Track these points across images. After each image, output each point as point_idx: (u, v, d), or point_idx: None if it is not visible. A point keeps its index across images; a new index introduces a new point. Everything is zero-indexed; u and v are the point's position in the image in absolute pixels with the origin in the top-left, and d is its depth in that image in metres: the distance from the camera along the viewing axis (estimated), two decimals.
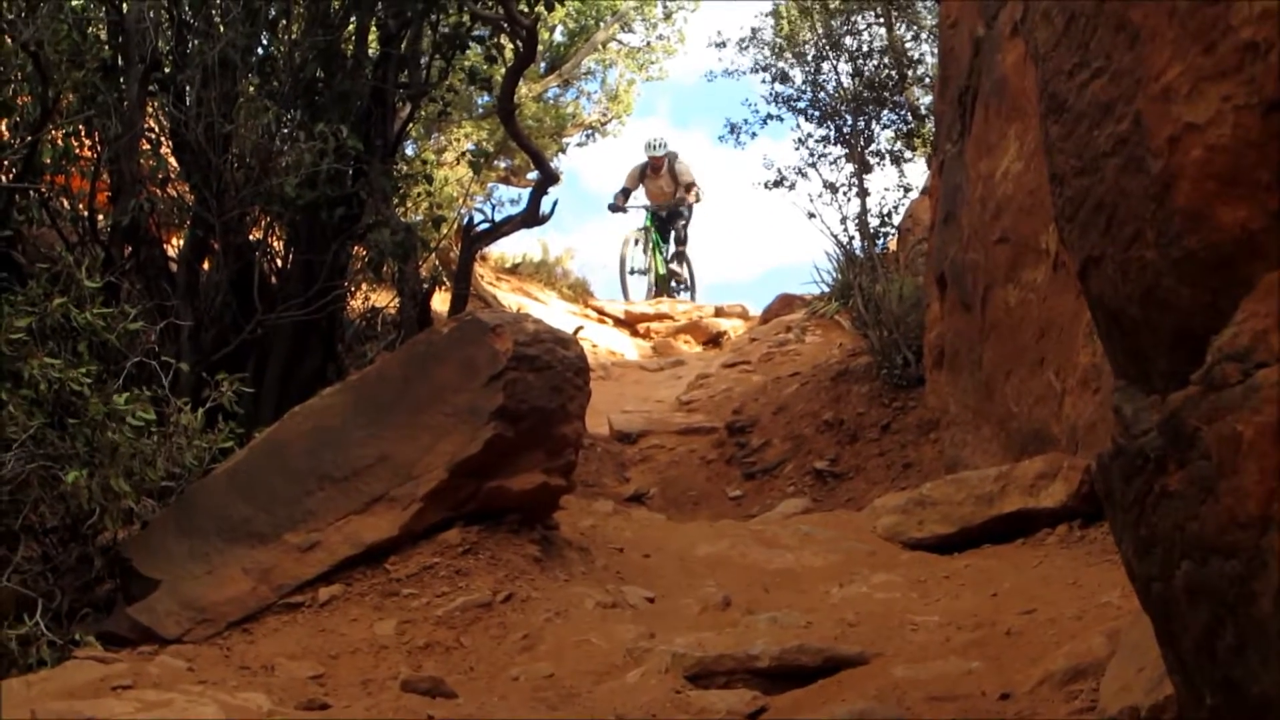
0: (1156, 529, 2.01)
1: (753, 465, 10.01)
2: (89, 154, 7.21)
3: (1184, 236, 1.88)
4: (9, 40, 6.45)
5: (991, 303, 7.25)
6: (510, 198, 20.25)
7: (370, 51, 8.38)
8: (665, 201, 20.03)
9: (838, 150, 14.28)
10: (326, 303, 7.44)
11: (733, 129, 15.52)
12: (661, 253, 20.05)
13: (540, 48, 16.78)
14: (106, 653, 4.83)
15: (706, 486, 9.93)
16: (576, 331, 6.71)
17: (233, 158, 7.20)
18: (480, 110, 18.41)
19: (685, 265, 20.54)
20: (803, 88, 14.71)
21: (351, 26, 8.18)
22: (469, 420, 5.65)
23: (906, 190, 14.22)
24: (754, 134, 15.62)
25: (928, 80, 14.27)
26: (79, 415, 5.19)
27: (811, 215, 14.18)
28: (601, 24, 21.35)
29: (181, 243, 7.76)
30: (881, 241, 13.70)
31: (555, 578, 5.68)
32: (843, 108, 14.23)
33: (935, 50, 11.92)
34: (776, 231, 52.43)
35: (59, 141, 6.80)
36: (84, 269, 5.57)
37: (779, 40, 15.23)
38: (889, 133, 14.53)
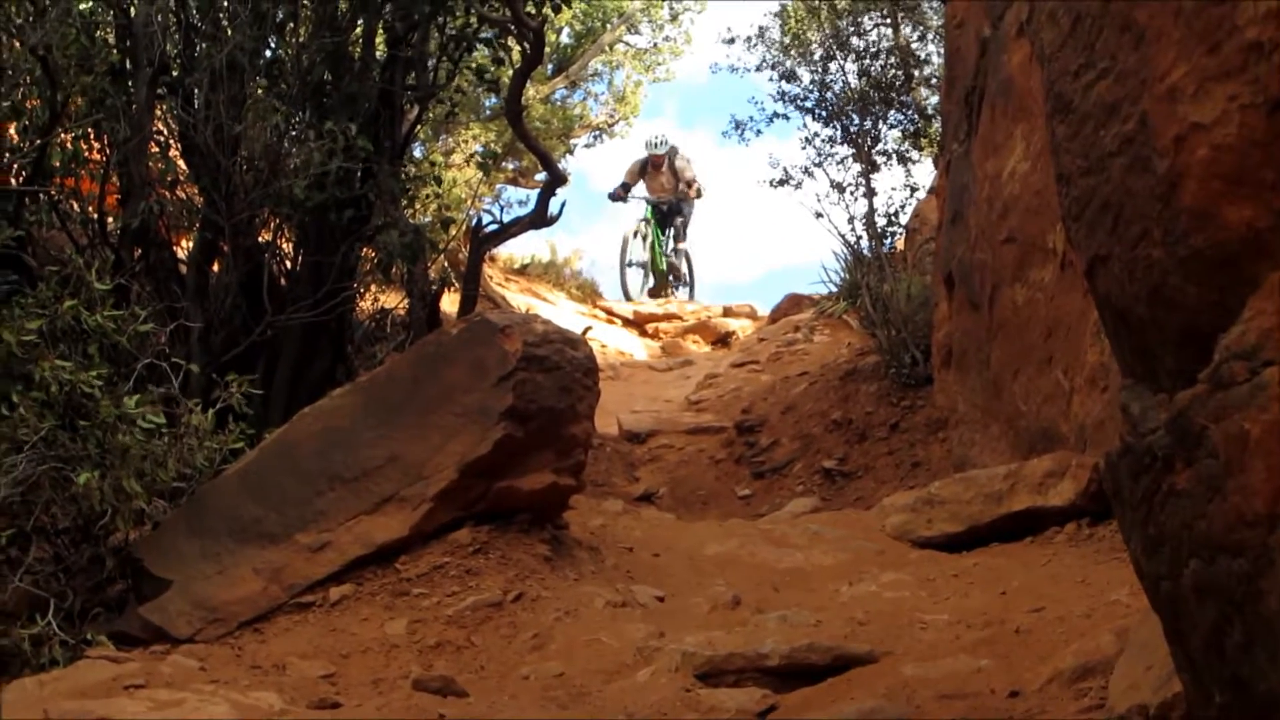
0: (1164, 527, 2.01)
1: (761, 464, 10.01)
2: (98, 157, 7.23)
3: (1190, 235, 1.89)
4: (18, 44, 6.47)
5: (999, 302, 7.25)
6: (518, 199, 20.29)
7: (378, 54, 8.39)
8: (666, 196, 19.99)
9: (845, 150, 14.27)
10: (336, 304, 7.45)
11: (738, 125, 15.52)
12: (661, 246, 19.99)
13: (547, 49, 16.77)
14: (119, 652, 4.84)
15: (715, 486, 9.93)
16: (585, 332, 6.72)
17: (241, 160, 7.22)
18: (488, 112, 18.42)
19: (684, 261, 20.48)
20: (810, 87, 14.71)
21: (359, 29, 8.19)
22: (479, 420, 5.66)
23: (913, 190, 14.24)
24: (759, 131, 15.61)
25: (934, 80, 14.26)
26: (90, 417, 5.20)
27: (819, 215, 14.21)
28: (608, 26, 21.34)
29: (191, 245, 7.77)
30: (889, 241, 13.70)
31: (565, 577, 5.69)
32: (850, 107, 14.22)
33: (942, 51, 11.90)
34: (781, 232, 52.43)
35: (68, 145, 6.82)
36: (94, 271, 5.58)
37: (786, 39, 15.21)
38: (896, 132, 14.53)
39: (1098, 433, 5.92)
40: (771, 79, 15.15)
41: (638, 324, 19.34)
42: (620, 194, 20.01)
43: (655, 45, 22.20)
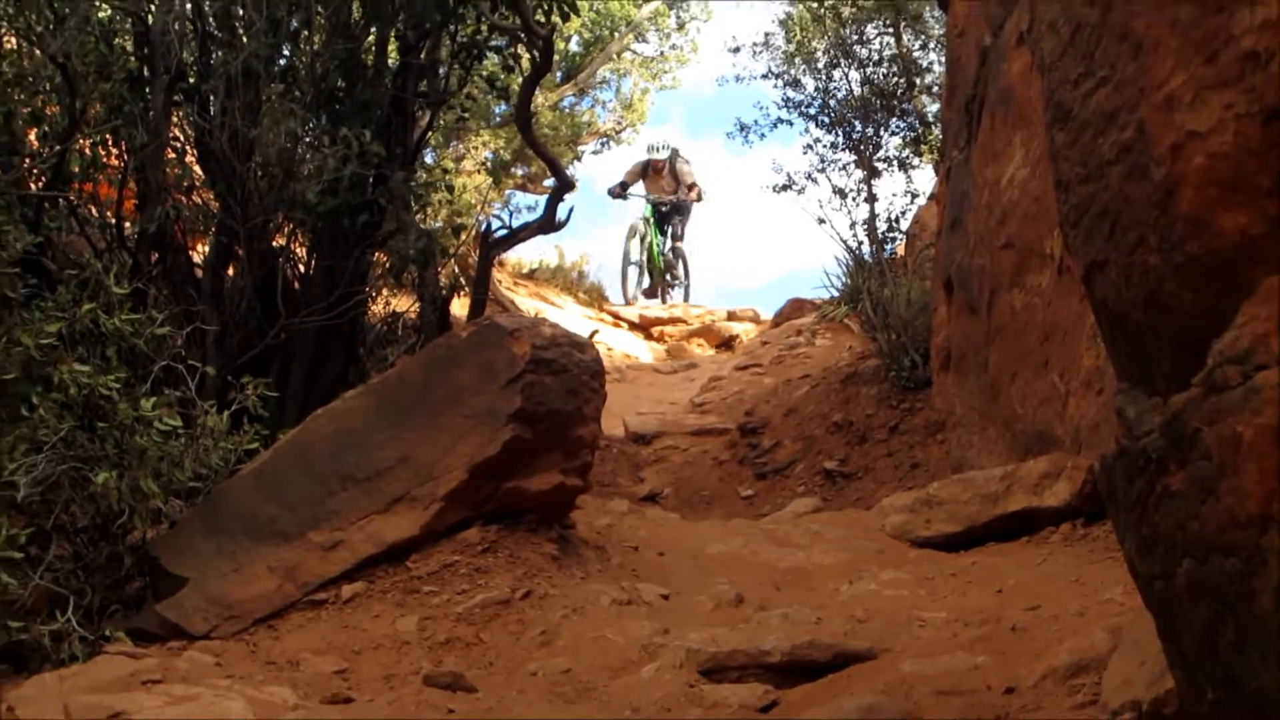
0: (1158, 528, 2.01)
1: (764, 465, 10.01)
2: (116, 163, 7.23)
3: (1186, 242, 1.89)
4: (38, 52, 6.48)
5: (997, 307, 7.25)
6: (527, 204, 20.33)
7: (390, 61, 8.38)
8: (667, 196, 19.91)
9: (847, 156, 14.25)
10: (348, 308, 7.45)
11: (742, 128, 15.51)
12: (659, 246, 19.91)
13: (556, 57, 16.76)
14: (136, 648, 4.85)
15: (719, 486, 9.93)
16: (592, 335, 6.72)
17: (256, 166, 7.22)
18: (498, 119, 18.42)
19: (681, 261, 20.41)
20: (813, 94, 14.70)
21: (372, 37, 8.20)
22: (488, 422, 5.67)
23: (914, 196, 14.21)
24: (763, 135, 15.59)
25: (935, 88, 14.24)
26: (108, 418, 5.20)
27: (821, 221, 14.19)
28: (616, 34, 21.31)
29: (207, 249, 7.78)
30: (890, 247, 13.67)
31: (572, 575, 5.69)
32: (852, 114, 14.21)
33: (943, 59, 11.90)
34: (787, 238, 52.37)
35: (87, 151, 6.82)
36: (112, 275, 5.59)
37: (790, 47, 15.21)
38: (897, 139, 14.50)
39: (1093, 435, 5.92)
40: (776, 86, 15.15)
41: (643, 327, 19.33)
42: (619, 191, 19.92)
43: (662, 54, 22.18)
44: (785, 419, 10.63)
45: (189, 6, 7.38)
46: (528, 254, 21.19)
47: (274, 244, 7.68)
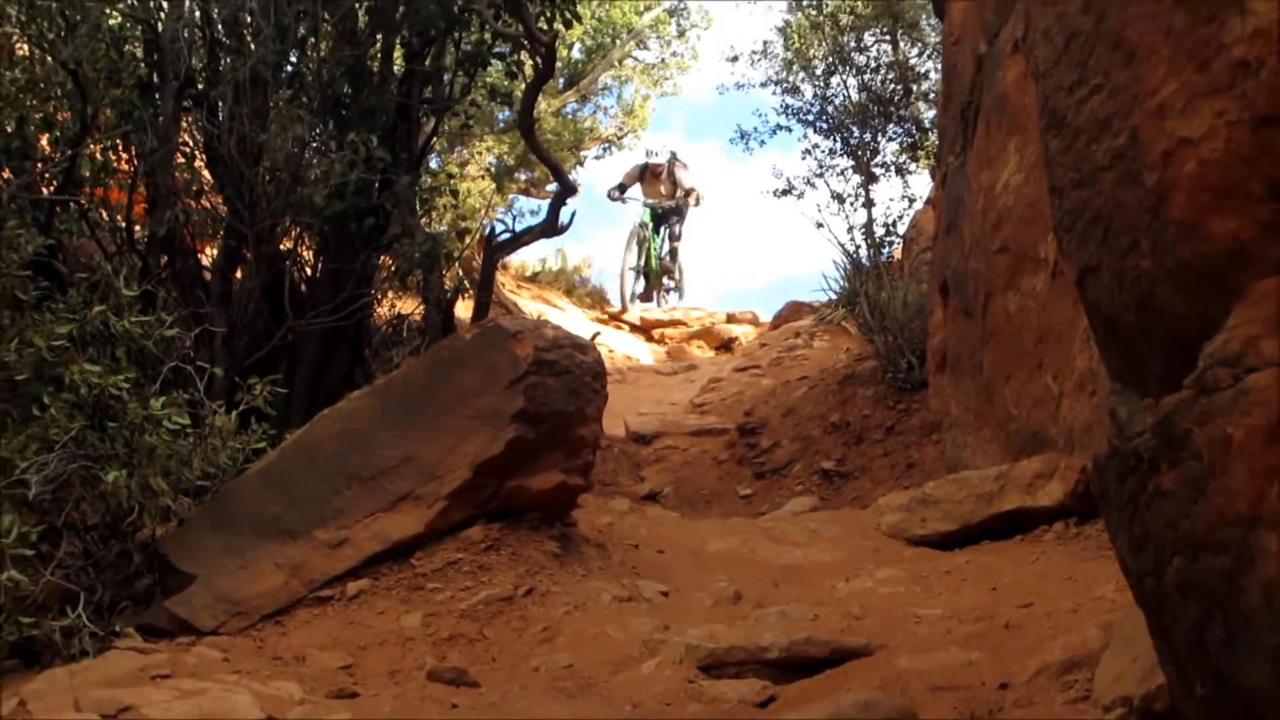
0: (1150, 527, 2.01)
1: (762, 465, 10.01)
2: (126, 167, 7.23)
3: (1178, 246, 1.89)
4: (50, 59, 6.48)
5: (992, 309, 7.25)
6: (530, 209, 20.41)
7: (396, 68, 8.40)
8: (665, 202, 19.83)
9: (845, 162, 14.26)
10: (354, 310, 7.46)
11: (743, 135, 15.52)
12: (655, 249, 19.84)
13: (559, 64, 16.79)
14: (145, 644, 4.86)
15: (718, 485, 9.93)
16: (594, 337, 6.73)
17: (264, 170, 7.23)
18: (501, 125, 18.42)
19: (677, 264, 20.36)
20: (812, 101, 14.71)
21: (378, 44, 8.20)
22: (491, 422, 5.67)
23: (911, 201, 14.22)
24: (763, 142, 15.66)
25: (932, 95, 14.25)
26: (118, 418, 5.21)
27: (820, 225, 14.22)
28: (618, 42, 21.33)
29: (215, 252, 7.78)
30: (887, 250, 13.68)
31: (574, 573, 5.70)
32: (850, 121, 14.22)
33: (939, 66, 11.90)
34: (786, 242, 52.43)
35: (98, 155, 6.83)
36: (122, 278, 5.60)
37: (789, 55, 15.22)
38: (894, 145, 14.51)
39: (1085, 436, 5.92)
40: (775, 93, 15.18)
41: (644, 329, 19.34)
42: (616, 195, 19.82)
43: (663, 61, 22.20)
44: (783, 419, 10.64)
45: (198, 14, 7.38)
46: (531, 257, 21.28)
47: (281, 247, 7.68)
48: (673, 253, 20.11)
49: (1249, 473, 1.75)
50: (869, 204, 13.73)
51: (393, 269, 8.31)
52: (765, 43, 15.74)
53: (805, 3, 15.43)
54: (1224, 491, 1.79)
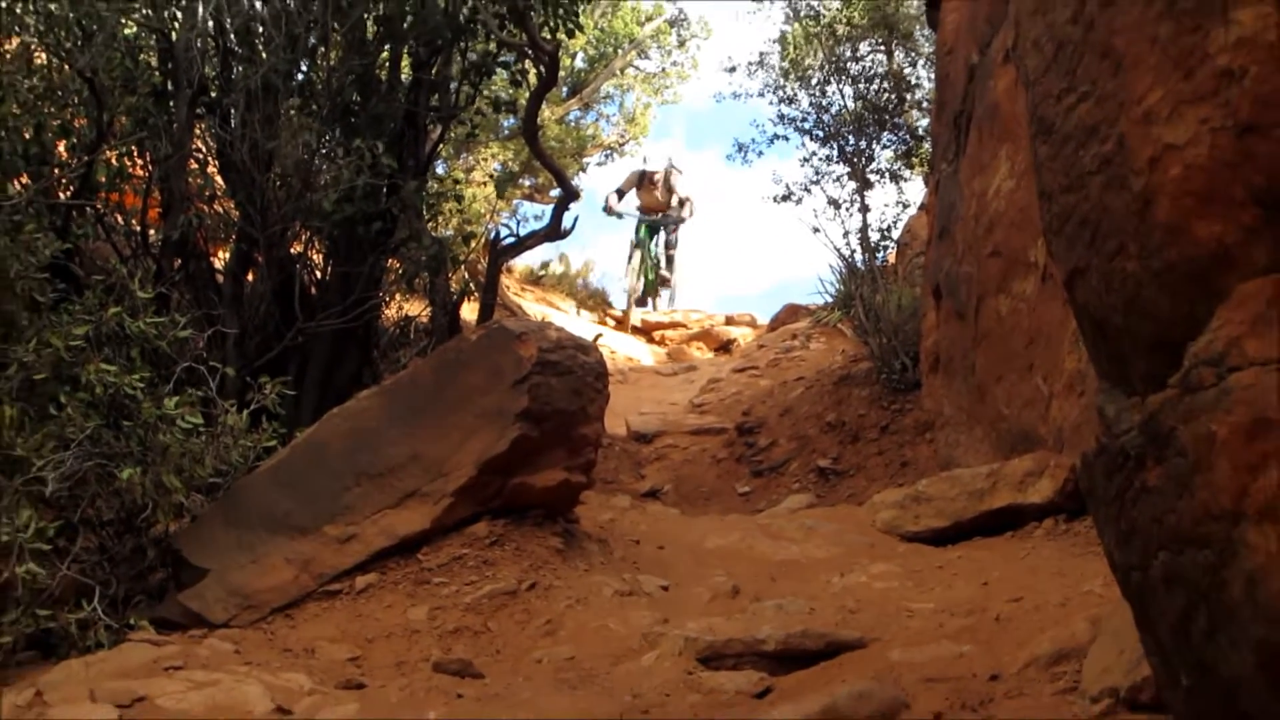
0: (1136, 521, 2.02)
1: (760, 463, 10.00)
2: (141, 173, 7.23)
3: (1164, 249, 1.89)
4: (67, 67, 6.49)
5: (984, 312, 7.25)
6: (534, 214, 20.33)
7: (403, 77, 8.40)
8: (660, 209, 19.73)
9: (841, 168, 14.25)
10: (363, 312, 7.46)
11: (740, 148, 15.50)
12: (651, 257, 19.75)
13: (562, 73, 16.76)
14: (159, 636, 4.86)
15: (717, 483, 9.92)
16: (595, 338, 6.72)
17: (275, 176, 7.23)
18: (506, 132, 18.40)
19: (672, 271, 20.29)
20: (808, 110, 14.70)
21: (386, 53, 8.20)
22: (496, 421, 5.68)
23: (905, 206, 14.19)
24: (760, 153, 15.62)
25: (925, 104, 14.24)
26: (133, 417, 5.21)
27: (816, 230, 14.20)
28: (619, 51, 21.31)
29: (227, 256, 7.78)
30: (881, 255, 13.65)
31: (576, 568, 5.70)
32: (845, 129, 14.21)
33: (932, 76, 11.92)
34: (784, 246, 52.42)
35: (113, 161, 6.83)
36: (137, 280, 5.60)
37: (785, 65, 15.21)
38: (889, 152, 14.48)
39: (1075, 435, 5.92)
40: (772, 102, 15.15)
41: (645, 331, 19.33)
42: (613, 205, 19.68)
43: (664, 70, 22.16)
44: (781, 419, 10.62)
45: (211, 24, 7.39)
46: (535, 261, 21.23)
47: (292, 251, 7.68)
48: (669, 260, 20.07)
49: (1232, 469, 1.75)
50: (864, 209, 13.73)
51: (400, 272, 8.32)
52: (762, 54, 15.72)
53: (802, 14, 15.43)
54: (1208, 487, 1.79)
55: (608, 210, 19.67)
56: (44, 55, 6.65)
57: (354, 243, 7.66)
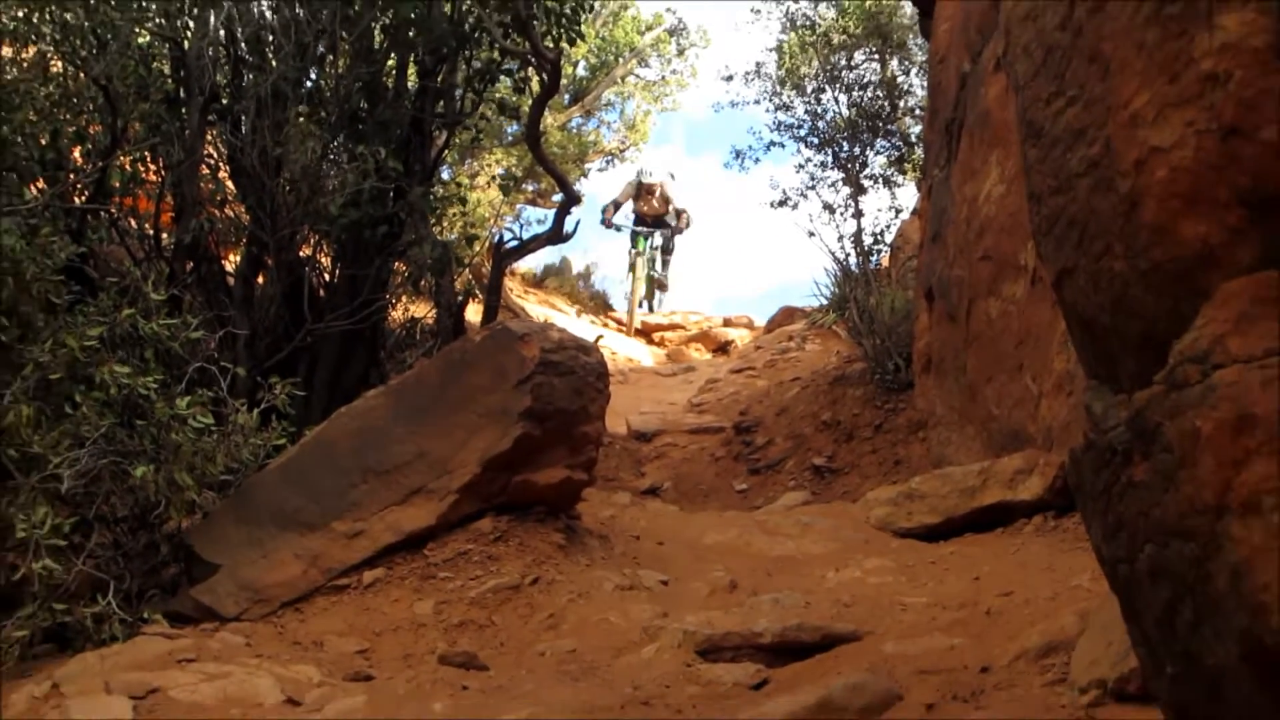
0: (1123, 515, 2.01)
1: (757, 461, 10.00)
2: (154, 178, 7.24)
3: (1150, 250, 1.89)
4: (82, 75, 6.50)
5: (975, 314, 7.25)
6: (537, 218, 20.28)
7: (409, 84, 8.41)
8: (655, 218, 19.64)
9: (835, 174, 14.26)
10: (370, 313, 7.47)
11: (738, 155, 15.53)
12: (649, 254, 19.67)
13: (564, 81, 16.79)
14: (172, 629, 4.88)
15: (715, 481, 9.92)
16: (597, 340, 6.72)
17: (284, 181, 7.23)
18: (509, 138, 18.41)
19: (666, 272, 20.22)
20: (803, 117, 14.71)
21: (392, 61, 8.21)
22: (499, 420, 5.68)
23: (898, 211, 14.21)
24: (757, 159, 15.60)
25: (918, 111, 14.25)
26: (146, 416, 5.22)
27: (811, 234, 14.22)
28: (620, 59, 21.34)
29: (238, 259, 7.80)
30: (875, 258, 13.65)
31: (578, 563, 5.70)
32: (840, 135, 14.22)
33: (925, 84, 11.91)
34: (781, 250, 52.39)
35: (127, 167, 6.84)
36: (150, 283, 5.60)
37: (781, 73, 15.22)
38: (882, 159, 14.50)
39: (1063, 434, 5.92)
40: (768, 110, 15.18)
41: (645, 333, 19.33)
42: (610, 216, 19.58)
43: (663, 78, 22.18)
44: (777, 418, 10.62)
45: (222, 33, 7.40)
46: (537, 264, 21.22)
47: (300, 254, 7.70)
48: (664, 263, 20.03)
49: (1216, 464, 1.75)
50: (858, 214, 13.73)
51: (406, 274, 8.32)
52: (759, 63, 15.75)
53: (798, 23, 15.44)
54: (1193, 481, 1.79)
55: (606, 223, 19.64)
56: (60, 64, 6.67)
57: (361, 246, 7.67)
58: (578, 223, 9.22)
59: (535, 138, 9.24)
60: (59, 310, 5.28)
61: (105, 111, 6.39)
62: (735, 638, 4.42)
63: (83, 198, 6.50)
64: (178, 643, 4.56)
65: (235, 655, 4.51)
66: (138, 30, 6.97)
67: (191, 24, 7.31)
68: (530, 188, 20.54)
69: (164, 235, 7.16)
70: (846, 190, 13.98)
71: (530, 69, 8.93)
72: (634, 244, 19.43)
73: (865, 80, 14.76)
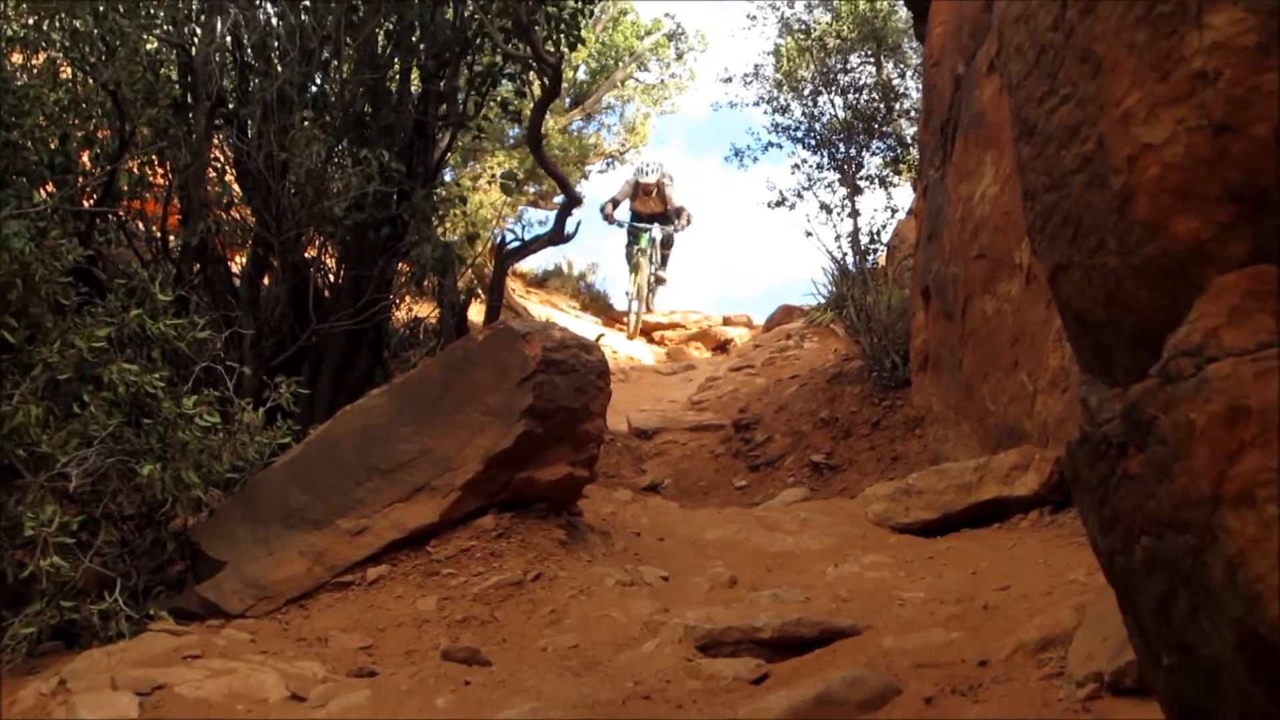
0: (1118, 508, 2.01)
1: (756, 458, 10.00)
2: (162, 181, 7.24)
3: (1143, 245, 1.89)
4: (91, 81, 6.50)
5: (970, 312, 7.24)
6: (538, 219, 20.32)
7: (413, 88, 8.40)
8: (654, 215, 19.59)
9: (832, 175, 14.27)
10: (374, 313, 7.46)
11: (737, 153, 15.57)
12: (648, 252, 19.61)
13: (565, 84, 16.77)
14: (178, 626, 4.86)
15: (715, 477, 9.93)
16: (598, 339, 6.71)
17: (289, 184, 7.23)
18: (511, 140, 18.42)
19: (665, 269, 20.18)
20: (800, 119, 14.73)
21: (396, 66, 8.21)
22: (502, 418, 5.67)
23: (894, 211, 14.21)
24: (755, 159, 15.67)
25: (913, 113, 14.26)
26: (153, 415, 5.22)
27: (809, 234, 14.21)
28: (620, 63, 21.35)
29: (244, 260, 7.80)
30: (871, 258, 13.66)
31: (579, 559, 5.69)
32: (836, 137, 14.23)
33: (920, 86, 11.92)
34: (779, 250, 52.43)
35: (135, 170, 6.83)
36: (157, 284, 5.60)
37: (779, 76, 15.23)
38: (878, 160, 14.51)
39: (1059, 430, 5.92)
40: (766, 112, 15.19)
41: (645, 332, 19.34)
42: (610, 211, 19.53)
43: (663, 81, 22.20)
44: (776, 416, 10.63)
45: (229, 39, 7.40)
46: (539, 264, 21.26)
47: (305, 255, 7.70)
48: (664, 260, 20.00)
49: (1210, 456, 1.74)
50: (855, 214, 13.75)
51: (410, 275, 8.32)
52: (757, 65, 15.77)
53: (795, 27, 15.45)
54: (1188, 473, 1.78)
55: (607, 219, 19.61)
56: (69, 69, 6.67)
57: (365, 247, 7.67)
58: (579, 224, 9.22)
59: (537, 140, 9.24)
60: (67, 311, 5.28)
61: (114, 116, 6.38)
62: (735, 633, 4.42)
63: (91, 201, 6.49)
64: (183, 639, 4.56)
65: (240, 651, 4.50)
66: (146, 37, 6.96)
67: (198, 30, 7.30)
68: (532, 189, 20.55)
69: (171, 237, 7.15)
70: (843, 191, 14.00)
71: (532, 73, 8.93)
72: (636, 240, 19.38)
73: (861, 83, 14.78)
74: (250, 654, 4.48)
